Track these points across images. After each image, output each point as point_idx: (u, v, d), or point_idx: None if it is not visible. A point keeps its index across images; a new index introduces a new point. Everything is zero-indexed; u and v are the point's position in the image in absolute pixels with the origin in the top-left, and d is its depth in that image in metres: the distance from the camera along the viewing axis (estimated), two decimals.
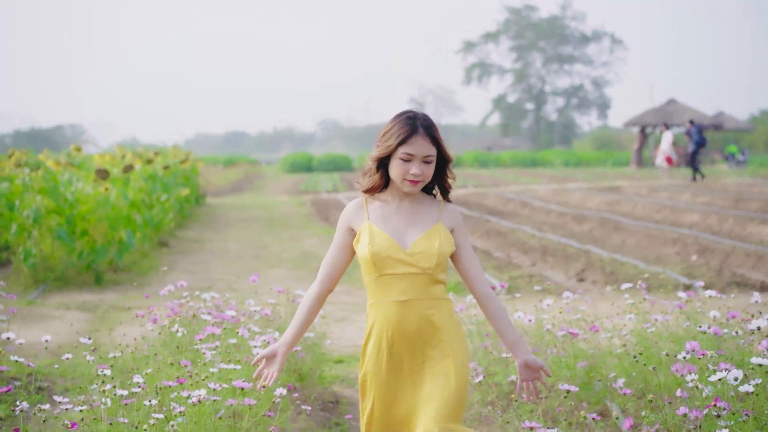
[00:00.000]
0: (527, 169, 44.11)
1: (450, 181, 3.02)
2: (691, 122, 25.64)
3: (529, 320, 4.70)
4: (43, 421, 3.08)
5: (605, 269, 9.98)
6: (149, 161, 14.61)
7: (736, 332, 3.78)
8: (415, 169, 2.87)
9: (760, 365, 2.86)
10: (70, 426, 3.01)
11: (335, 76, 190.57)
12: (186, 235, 15.16)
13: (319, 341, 5.38)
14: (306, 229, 16.27)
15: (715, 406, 2.80)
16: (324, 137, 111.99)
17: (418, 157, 2.87)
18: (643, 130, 38.57)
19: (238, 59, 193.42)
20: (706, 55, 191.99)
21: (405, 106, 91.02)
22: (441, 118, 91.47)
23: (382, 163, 2.94)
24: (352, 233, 2.99)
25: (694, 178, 24.26)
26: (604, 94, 76.58)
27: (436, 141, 2.91)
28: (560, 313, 4.82)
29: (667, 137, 26.65)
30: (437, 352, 2.89)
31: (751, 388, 2.75)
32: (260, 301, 5.59)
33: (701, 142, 24.70)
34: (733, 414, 2.85)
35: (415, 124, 2.90)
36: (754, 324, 3.13)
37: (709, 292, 4.73)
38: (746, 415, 2.84)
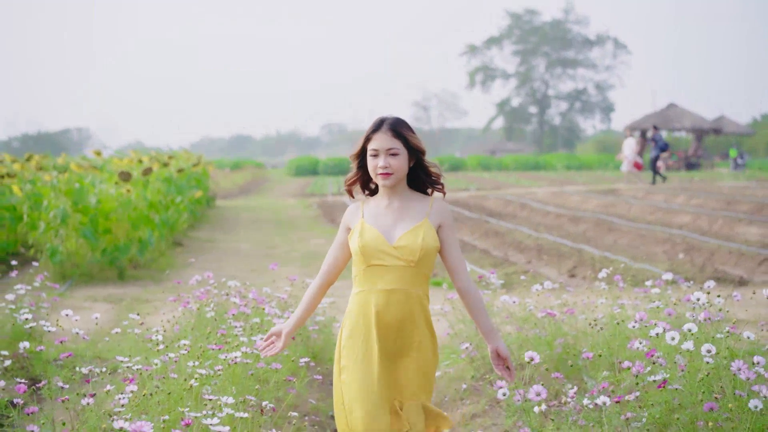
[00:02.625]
0: (529, 172, 44.54)
1: (433, 170, 3.31)
2: (655, 127, 26.27)
3: (514, 301, 5.38)
4: (113, 371, 3.73)
5: (595, 266, 10.60)
6: (165, 164, 15.28)
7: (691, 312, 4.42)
8: (381, 162, 3.22)
9: (690, 330, 3.51)
10: (129, 380, 3.66)
11: (335, 77, 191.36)
12: (198, 236, 15.85)
13: (329, 324, 6.07)
14: (313, 230, 16.93)
15: (652, 356, 3.49)
16: (329, 141, 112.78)
17: (382, 150, 3.22)
18: (643, 134, 39.16)
19: (238, 59, 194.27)
20: (708, 59, 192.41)
21: (409, 110, 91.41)
22: (445, 122, 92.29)
23: (363, 165, 3.37)
24: (348, 232, 3.33)
25: (654, 182, 24.84)
26: (607, 98, 77.13)
27: (399, 134, 3.22)
28: (537, 295, 5.49)
29: (630, 143, 27.05)
30: (416, 338, 3.28)
31: (690, 346, 3.40)
32: (277, 289, 6.29)
33: (664, 148, 25.36)
34: (668, 369, 3.51)
35: (380, 124, 3.25)
36: (694, 296, 3.76)
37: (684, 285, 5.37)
38: (682, 370, 3.50)
